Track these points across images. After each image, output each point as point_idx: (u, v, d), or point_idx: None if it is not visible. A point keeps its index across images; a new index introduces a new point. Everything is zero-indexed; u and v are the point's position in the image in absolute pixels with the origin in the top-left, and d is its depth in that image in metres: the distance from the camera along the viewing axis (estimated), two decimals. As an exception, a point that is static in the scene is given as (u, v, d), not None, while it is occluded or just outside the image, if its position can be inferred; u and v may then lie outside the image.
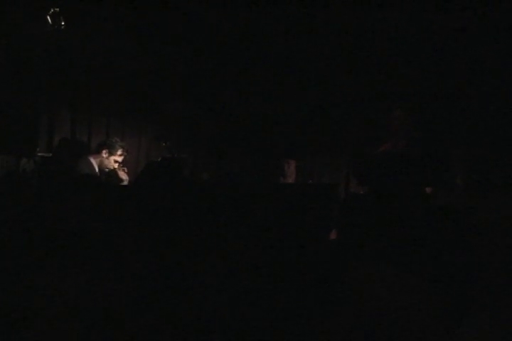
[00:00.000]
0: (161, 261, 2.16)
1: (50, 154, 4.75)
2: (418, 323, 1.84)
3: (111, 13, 4.28)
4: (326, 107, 5.79)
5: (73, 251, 2.18)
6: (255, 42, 4.87)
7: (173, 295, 2.03)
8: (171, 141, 4.93)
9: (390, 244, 2.06)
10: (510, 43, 4.30)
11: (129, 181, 4.80)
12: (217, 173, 5.84)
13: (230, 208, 2.45)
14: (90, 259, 2.17)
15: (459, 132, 4.73)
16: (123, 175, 4.67)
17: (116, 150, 4.69)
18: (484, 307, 1.86)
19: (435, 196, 2.66)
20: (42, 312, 1.90)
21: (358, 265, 2.05)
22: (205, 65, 5.35)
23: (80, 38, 4.66)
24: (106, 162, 4.67)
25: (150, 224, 2.37)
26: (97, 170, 4.66)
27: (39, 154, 4.57)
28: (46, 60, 4.83)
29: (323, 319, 1.89)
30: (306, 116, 5.95)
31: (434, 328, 1.83)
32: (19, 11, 4.19)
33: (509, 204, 2.07)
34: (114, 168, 4.73)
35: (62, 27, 4.26)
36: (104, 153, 4.68)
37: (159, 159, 4.31)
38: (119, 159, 4.73)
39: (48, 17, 4.22)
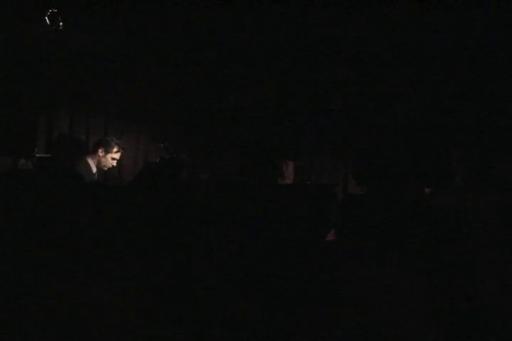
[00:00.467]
0: (159, 261, 2.16)
1: (49, 155, 4.76)
2: (417, 324, 1.85)
3: (110, 13, 4.27)
4: (325, 107, 5.80)
5: (72, 252, 2.17)
6: (254, 42, 4.87)
7: (172, 295, 2.03)
8: (169, 141, 4.94)
9: (389, 244, 2.06)
10: (510, 41, 4.31)
11: (128, 182, 4.80)
12: (215, 174, 5.85)
13: (228, 208, 2.45)
14: (89, 259, 2.16)
15: (459, 131, 4.74)
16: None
17: (112, 148, 4.66)
18: (484, 308, 1.86)
19: (434, 196, 2.66)
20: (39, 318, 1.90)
21: (357, 265, 2.05)
22: (204, 66, 5.35)
23: (79, 38, 4.66)
24: (103, 161, 4.65)
25: (148, 225, 2.37)
26: (94, 170, 4.66)
27: (37, 155, 4.58)
28: (44, 60, 4.83)
29: (322, 319, 1.89)
30: (305, 117, 5.96)
31: (432, 329, 1.83)
32: (17, 12, 4.19)
33: (509, 204, 2.07)
34: (113, 166, 4.72)
35: (61, 27, 4.26)
36: (101, 152, 4.65)
37: (158, 159, 4.31)
38: (116, 156, 4.70)
39: (46, 17, 4.21)
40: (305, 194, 2.69)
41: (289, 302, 1.99)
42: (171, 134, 5.81)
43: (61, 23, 4.24)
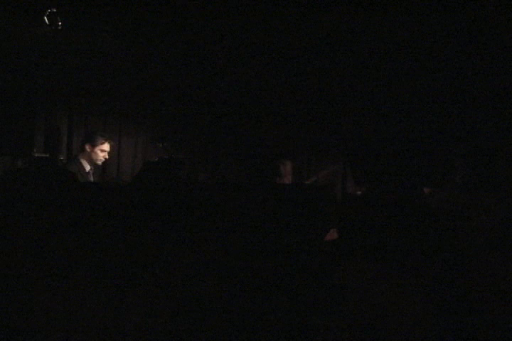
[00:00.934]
0: (158, 261, 2.17)
1: (47, 154, 4.74)
2: (416, 323, 1.85)
3: (109, 13, 4.27)
4: (323, 107, 5.80)
5: (71, 252, 2.17)
6: (253, 42, 4.87)
7: (171, 294, 2.03)
8: (167, 141, 4.93)
9: (388, 244, 2.06)
10: (510, 41, 4.32)
11: (126, 181, 4.78)
12: (213, 174, 5.85)
13: (226, 209, 2.45)
14: (88, 259, 2.16)
15: (458, 131, 4.74)
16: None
17: (97, 141, 4.59)
18: (483, 309, 1.86)
19: (433, 196, 2.67)
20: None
21: (355, 265, 2.05)
22: (202, 66, 5.35)
23: (78, 38, 4.66)
24: (93, 155, 4.59)
25: (147, 225, 2.37)
26: (88, 168, 4.61)
27: (36, 154, 4.57)
28: (43, 59, 4.83)
29: (320, 320, 1.89)
30: (303, 116, 5.96)
31: (432, 328, 1.83)
32: (16, 11, 4.18)
33: (509, 204, 2.07)
34: (105, 159, 4.66)
35: (60, 27, 4.26)
36: (88, 148, 4.60)
37: (156, 159, 4.31)
38: (105, 148, 4.62)
39: (46, 17, 4.21)
40: (303, 194, 2.69)
41: (287, 303, 2.00)
42: (170, 134, 5.81)
43: (60, 23, 4.24)
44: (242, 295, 2.03)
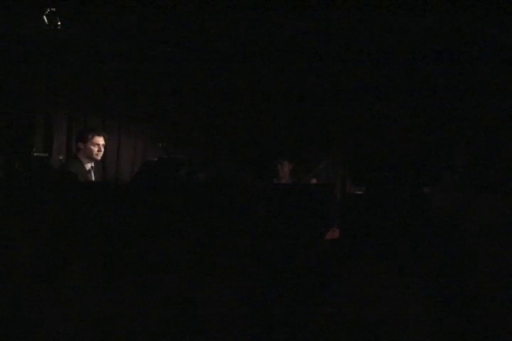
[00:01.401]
0: (158, 261, 2.16)
1: (47, 154, 4.74)
2: (416, 321, 1.85)
3: (108, 13, 4.27)
4: (322, 107, 5.80)
5: (71, 252, 2.17)
6: (253, 40, 4.87)
7: (174, 294, 2.03)
8: (167, 141, 4.93)
9: (388, 243, 2.06)
10: (510, 37, 4.31)
11: (126, 181, 4.77)
12: (213, 174, 5.84)
13: (226, 208, 2.44)
14: (88, 259, 2.16)
15: (459, 131, 4.74)
16: None
17: (87, 136, 4.58)
18: (483, 307, 1.86)
19: (433, 195, 2.66)
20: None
21: (356, 264, 2.05)
22: (201, 66, 5.35)
23: (77, 37, 4.65)
24: (88, 152, 4.59)
25: (147, 224, 2.37)
26: (88, 166, 4.61)
27: (35, 154, 4.56)
28: (42, 59, 4.83)
29: (321, 320, 1.89)
30: (302, 116, 5.96)
31: (432, 327, 1.83)
32: (16, 11, 4.18)
33: (509, 203, 2.07)
34: (99, 152, 4.62)
35: (59, 27, 4.26)
36: (81, 145, 4.60)
37: (156, 159, 4.30)
38: (98, 141, 4.60)
39: (45, 17, 4.21)
40: (304, 193, 2.69)
41: (288, 302, 1.99)
42: (169, 134, 5.81)
43: (59, 23, 4.24)
44: (242, 294, 2.03)
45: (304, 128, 6.02)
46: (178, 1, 4.20)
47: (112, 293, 2.02)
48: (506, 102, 4.65)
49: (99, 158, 4.64)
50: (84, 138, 4.57)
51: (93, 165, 4.64)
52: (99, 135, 4.61)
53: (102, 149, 4.62)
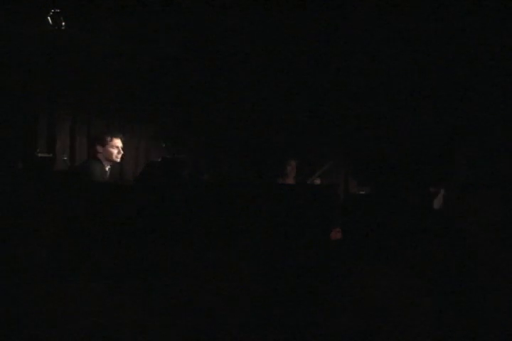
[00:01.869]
0: (160, 260, 2.17)
1: (50, 154, 4.74)
2: (418, 324, 1.85)
3: (112, 14, 4.28)
4: (326, 107, 5.80)
5: (74, 251, 2.18)
6: (254, 42, 4.87)
7: (175, 295, 2.04)
8: (170, 141, 4.93)
9: (391, 243, 2.06)
10: (510, 38, 4.31)
11: (130, 181, 4.78)
12: (217, 174, 5.84)
13: (230, 209, 2.45)
14: (90, 259, 2.17)
15: (461, 132, 4.73)
16: None
17: (105, 139, 4.61)
18: (485, 307, 1.86)
19: (436, 196, 2.67)
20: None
21: (359, 264, 2.05)
22: (203, 66, 5.35)
23: (81, 38, 4.66)
24: (107, 154, 4.62)
25: (150, 224, 2.37)
26: (107, 167, 4.64)
27: (39, 154, 4.57)
28: (46, 60, 4.84)
29: (323, 320, 1.89)
30: (306, 116, 5.96)
31: (434, 330, 1.83)
32: (20, 11, 4.19)
33: (509, 204, 2.07)
34: (119, 153, 4.65)
35: (63, 27, 4.27)
36: (99, 149, 4.63)
37: (159, 159, 4.31)
38: (116, 143, 4.64)
39: (49, 17, 4.22)
40: (307, 194, 2.69)
41: (291, 301, 2.00)
42: (173, 134, 5.81)
43: (63, 23, 4.25)
44: (245, 294, 2.03)
45: (310, 129, 6.02)
46: (181, 2, 4.21)
47: (119, 291, 2.03)
48: (507, 102, 4.64)
49: (118, 159, 4.68)
50: (103, 141, 4.59)
51: (109, 166, 4.67)
52: (117, 137, 4.65)
53: (122, 152, 4.66)
